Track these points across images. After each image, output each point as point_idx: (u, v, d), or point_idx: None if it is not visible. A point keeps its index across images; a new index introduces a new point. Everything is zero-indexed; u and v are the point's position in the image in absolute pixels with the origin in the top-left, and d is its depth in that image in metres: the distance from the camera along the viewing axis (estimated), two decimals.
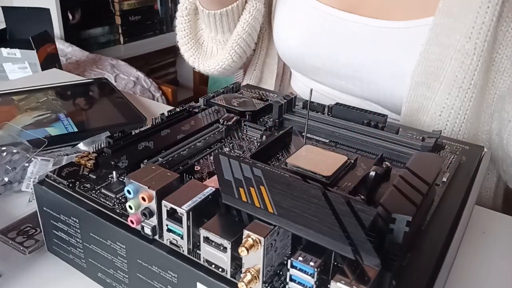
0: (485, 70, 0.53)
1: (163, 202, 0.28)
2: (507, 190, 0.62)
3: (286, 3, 0.68)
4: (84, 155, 0.38)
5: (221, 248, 0.27)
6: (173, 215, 0.28)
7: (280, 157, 0.40)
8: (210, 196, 0.29)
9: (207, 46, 0.73)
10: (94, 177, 0.36)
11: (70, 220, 0.34)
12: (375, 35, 0.58)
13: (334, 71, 0.63)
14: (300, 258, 0.25)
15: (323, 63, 0.63)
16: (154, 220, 0.29)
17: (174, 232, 0.29)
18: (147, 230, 0.30)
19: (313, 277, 0.24)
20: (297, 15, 0.66)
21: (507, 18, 0.51)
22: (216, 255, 0.27)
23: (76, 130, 0.57)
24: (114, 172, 0.36)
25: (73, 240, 0.35)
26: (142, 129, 0.42)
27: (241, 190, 0.28)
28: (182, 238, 0.28)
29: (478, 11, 0.50)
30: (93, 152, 0.38)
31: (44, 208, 0.36)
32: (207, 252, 0.27)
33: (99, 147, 0.39)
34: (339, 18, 0.60)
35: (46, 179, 0.36)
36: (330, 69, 0.63)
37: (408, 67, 0.55)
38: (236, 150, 0.41)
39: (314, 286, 0.25)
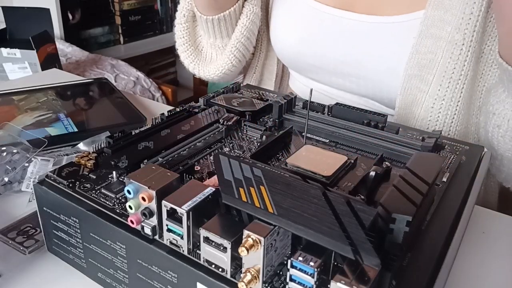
0: (475, 62, 0.53)
1: (163, 202, 0.28)
2: (503, 188, 0.62)
3: (283, 4, 0.68)
4: (84, 155, 0.38)
5: (221, 248, 0.27)
6: (173, 215, 0.28)
7: (280, 157, 0.40)
8: (210, 196, 0.29)
9: (206, 52, 0.74)
10: (94, 177, 0.36)
11: (70, 220, 0.34)
12: (370, 31, 0.58)
13: (331, 69, 0.63)
14: (300, 258, 0.25)
15: (321, 61, 0.64)
16: (154, 220, 0.29)
17: (174, 232, 0.29)
18: (147, 230, 0.30)
19: (313, 277, 0.24)
20: (295, 15, 0.66)
21: None
22: (216, 255, 0.27)
23: (76, 130, 0.57)
24: (114, 172, 0.36)
25: (73, 240, 0.35)
26: (142, 129, 0.42)
27: (241, 190, 0.28)
28: (182, 238, 0.28)
29: (467, 2, 0.51)
30: (93, 152, 0.38)
31: (44, 208, 0.36)
32: (207, 252, 0.27)
33: (99, 147, 0.39)
34: (335, 16, 0.61)
35: (46, 179, 0.36)
36: (327, 67, 0.64)
37: (402, 61, 0.55)
38: (236, 150, 0.41)
39: (314, 286, 0.25)
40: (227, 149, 0.41)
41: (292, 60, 0.69)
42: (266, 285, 0.26)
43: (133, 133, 0.41)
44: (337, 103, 0.47)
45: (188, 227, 0.28)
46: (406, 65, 0.55)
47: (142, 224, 0.30)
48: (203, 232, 0.27)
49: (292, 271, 0.25)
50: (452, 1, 0.52)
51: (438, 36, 0.53)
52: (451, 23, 0.52)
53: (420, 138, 0.43)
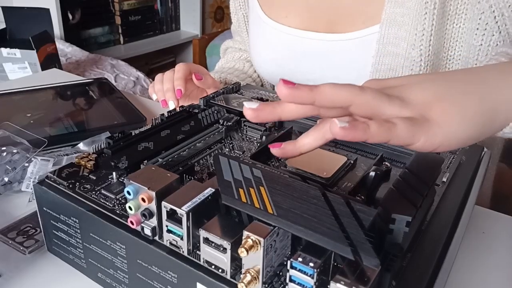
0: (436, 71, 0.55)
1: (163, 203, 0.28)
2: (496, 189, 0.62)
3: (256, 30, 0.72)
4: (84, 156, 0.38)
5: (221, 249, 0.27)
6: (173, 216, 0.28)
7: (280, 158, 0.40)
8: (209, 197, 0.29)
9: None
10: (94, 178, 0.36)
11: (70, 220, 0.34)
12: (330, 48, 0.61)
13: None
14: (300, 259, 0.25)
15: (291, 79, 0.67)
16: (154, 221, 0.29)
17: (174, 233, 0.29)
18: (147, 231, 0.30)
19: (312, 278, 0.24)
20: (265, 39, 0.70)
21: (456, 15, 0.53)
22: (216, 256, 0.27)
23: (76, 130, 0.57)
24: (114, 173, 0.36)
25: (73, 240, 0.35)
26: (142, 129, 0.42)
27: (241, 190, 0.28)
28: (182, 239, 0.28)
29: (417, 18, 0.52)
30: (93, 153, 0.38)
31: (44, 208, 0.36)
32: (207, 253, 0.27)
33: (99, 148, 0.39)
34: (299, 36, 0.64)
35: (46, 179, 0.36)
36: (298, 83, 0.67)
37: (362, 78, 0.57)
38: (236, 151, 0.41)
39: (314, 287, 0.25)
40: (227, 149, 0.41)
41: (268, 77, 0.74)
42: (266, 285, 0.26)
43: (133, 134, 0.41)
44: None
45: (188, 228, 0.28)
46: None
47: (142, 225, 0.30)
48: (202, 233, 0.27)
49: (292, 272, 0.25)
50: (404, 18, 0.53)
51: (396, 53, 0.55)
52: (406, 40, 0.54)
53: None
